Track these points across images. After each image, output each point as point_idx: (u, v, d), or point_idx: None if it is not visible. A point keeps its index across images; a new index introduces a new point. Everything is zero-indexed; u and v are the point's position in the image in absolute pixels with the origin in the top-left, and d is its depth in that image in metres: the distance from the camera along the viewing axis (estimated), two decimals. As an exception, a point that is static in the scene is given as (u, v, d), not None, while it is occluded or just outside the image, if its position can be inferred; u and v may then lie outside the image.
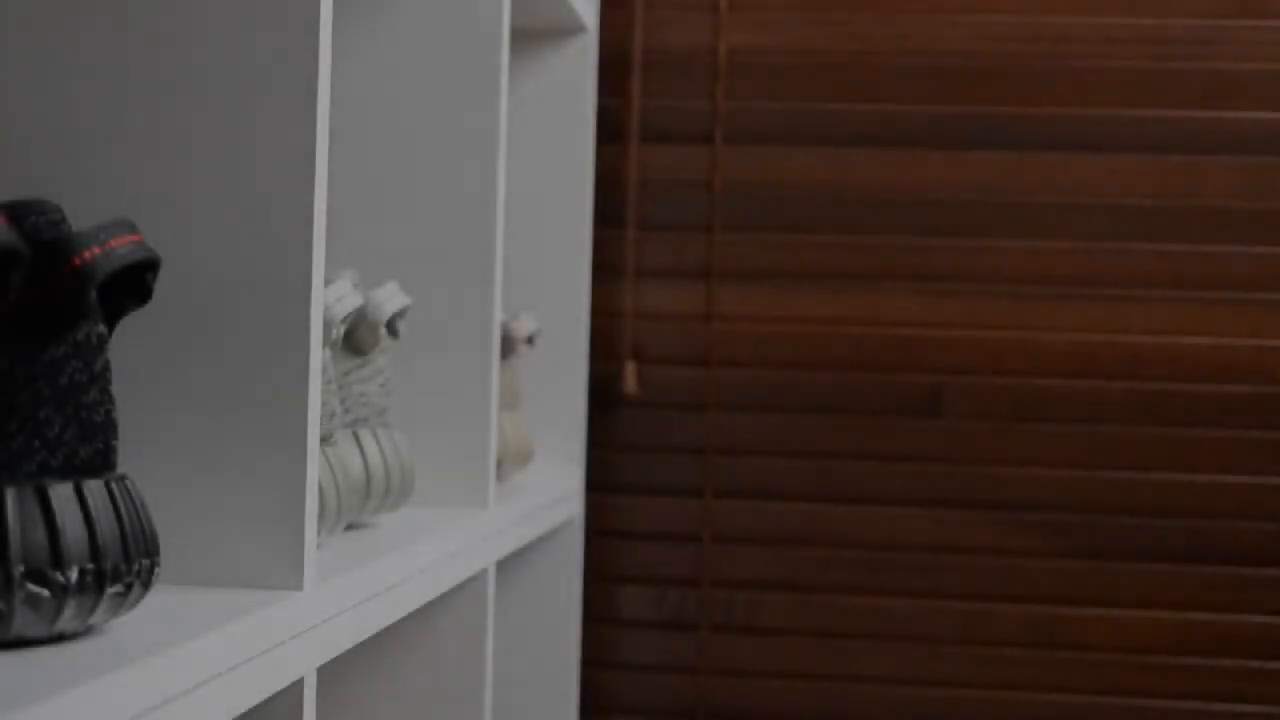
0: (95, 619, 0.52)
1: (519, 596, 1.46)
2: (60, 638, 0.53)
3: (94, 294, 0.53)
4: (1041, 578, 1.51)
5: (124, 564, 0.52)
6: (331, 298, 0.81)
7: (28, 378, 0.52)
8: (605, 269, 1.56)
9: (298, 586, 0.65)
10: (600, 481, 1.56)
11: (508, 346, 1.22)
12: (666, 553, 1.56)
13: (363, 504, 0.87)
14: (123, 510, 0.53)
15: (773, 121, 1.55)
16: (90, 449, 0.53)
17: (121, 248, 0.53)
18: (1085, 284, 1.51)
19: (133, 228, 0.55)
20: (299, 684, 0.66)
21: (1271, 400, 1.49)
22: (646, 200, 1.56)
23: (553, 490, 1.31)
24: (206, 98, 0.65)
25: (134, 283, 0.56)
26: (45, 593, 0.49)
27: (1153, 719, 1.50)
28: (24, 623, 0.50)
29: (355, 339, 0.89)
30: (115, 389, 0.65)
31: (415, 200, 1.05)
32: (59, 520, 0.50)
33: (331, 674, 1.04)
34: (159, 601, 0.61)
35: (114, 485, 0.53)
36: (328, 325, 0.81)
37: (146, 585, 0.54)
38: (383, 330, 0.90)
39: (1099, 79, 1.51)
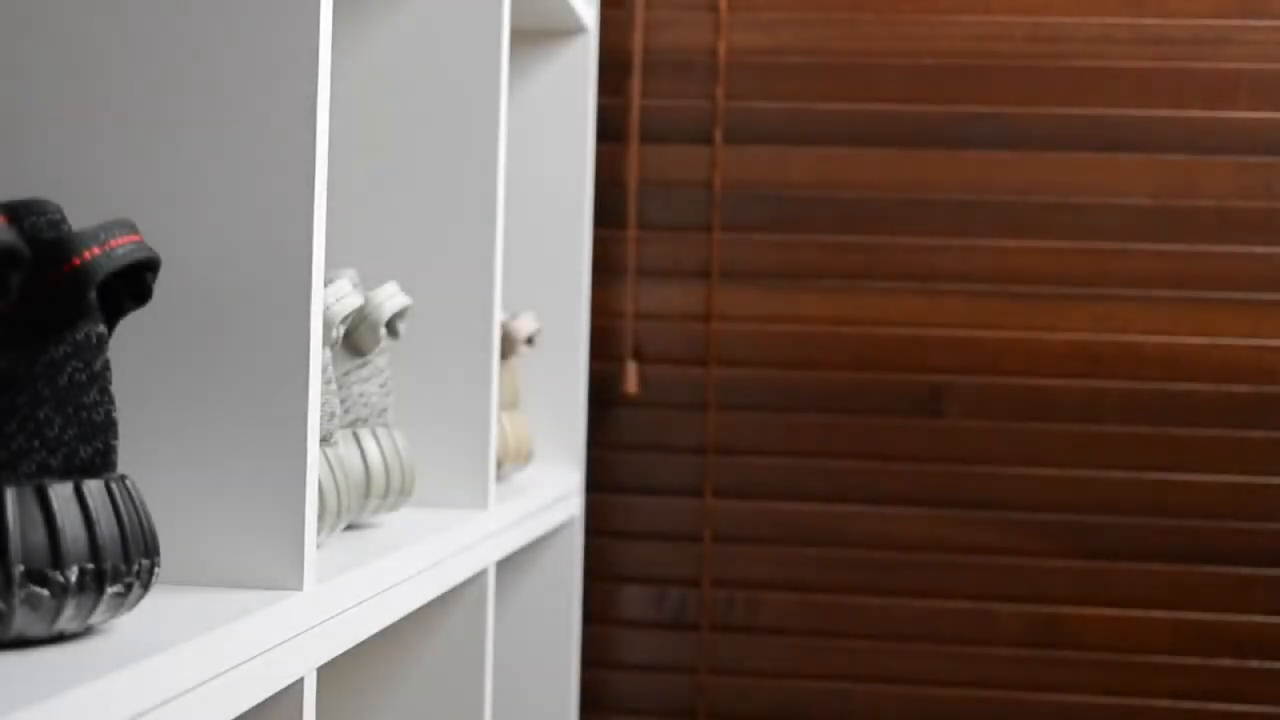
0: (95, 619, 0.52)
1: (519, 596, 1.46)
2: (60, 638, 0.53)
3: (94, 294, 0.53)
4: (1041, 578, 1.51)
5: (124, 564, 0.52)
6: (331, 298, 0.81)
7: (28, 378, 0.52)
8: (605, 269, 1.56)
9: (298, 586, 0.65)
10: (600, 481, 1.56)
11: (508, 346, 1.22)
12: (666, 553, 1.56)
13: (363, 504, 0.87)
14: (123, 510, 0.53)
15: (773, 121, 1.55)
16: (90, 449, 0.53)
17: (121, 248, 0.53)
18: (1085, 284, 1.51)
19: (133, 228, 0.55)
20: (299, 684, 0.66)
21: (1271, 400, 1.49)
22: (646, 200, 1.56)
23: (553, 490, 1.31)
24: (207, 98, 0.65)
25: (134, 283, 0.56)
26: (45, 593, 0.49)
27: (1152, 719, 1.50)
28: (24, 623, 0.50)
29: (355, 339, 0.89)
30: (115, 389, 0.65)
31: (415, 200, 1.05)
32: (59, 520, 0.50)
33: (331, 674, 1.04)
34: (159, 601, 0.61)
35: (114, 485, 0.53)
36: (328, 325, 0.81)
37: (146, 585, 0.54)
38: (383, 330, 0.90)
39: (1099, 79, 1.51)
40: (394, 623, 1.04)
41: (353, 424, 0.88)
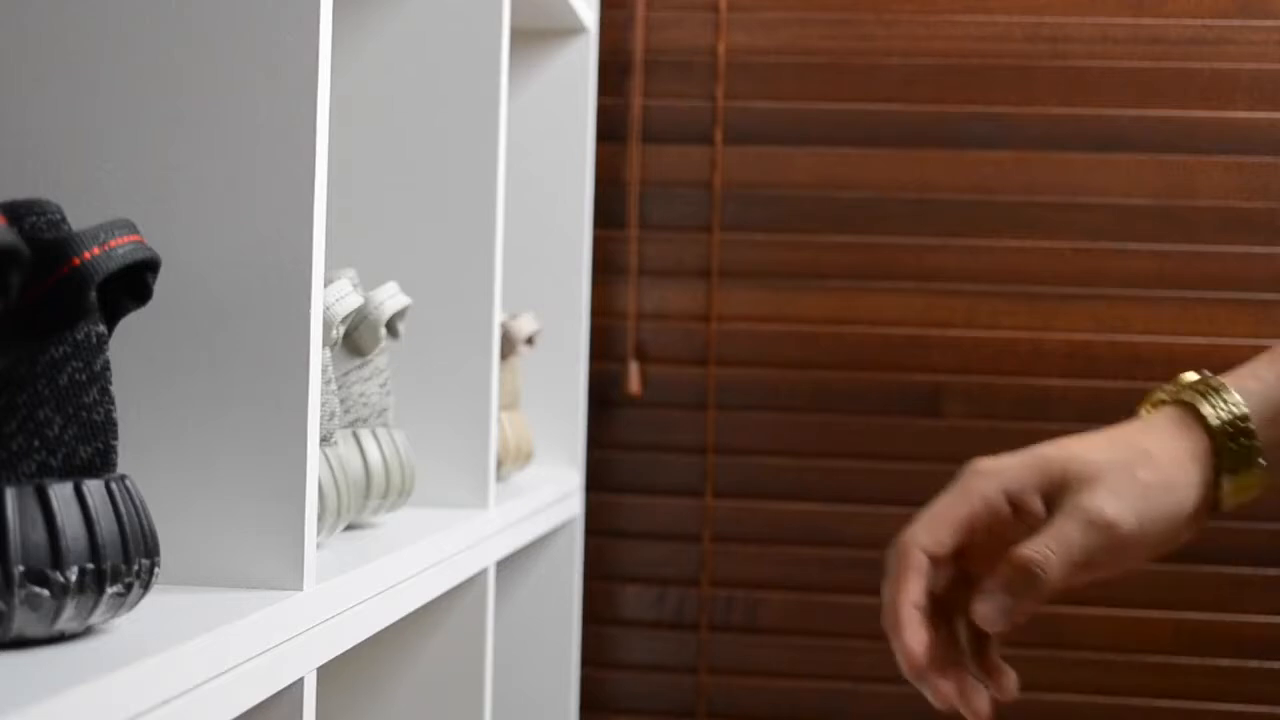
0: (95, 619, 0.52)
1: (519, 596, 1.46)
2: (60, 638, 0.53)
3: (94, 294, 0.53)
4: (1041, 578, 1.51)
5: (124, 564, 0.52)
6: (331, 298, 0.81)
7: (28, 378, 0.52)
8: (605, 269, 1.56)
9: (298, 586, 0.65)
10: (600, 481, 1.56)
11: (508, 346, 1.22)
12: (666, 553, 1.56)
13: (363, 504, 0.87)
14: (123, 510, 0.53)
15: (773, 121, 1.55)
16: (90, 449, 0.53)
17: (121, 248, 0.53)
18: (1085, 284, 1.51)
19: (133, 228, 0.55)
20: (299, 684, 0.66)
21: (1271, 400, 1.49)
22: (646, 200, 1.56)
23: (553, 490, 1.31)
24: (207, 98, 0.65)
25: (134, 283, 0.56)
26: (45, 593, 0.49)
27: (1152, 719, 1.50)
28: (24, 623, 0.50)
29: (355, 339, 0.89)
30: (115, 389, 0.65)
31: (415, 200, 1.05)
32: (59, 520, 0.50)
33: (331, 674, 1.04)
34: (159, 601, 0.61)
35: (114, 485, 0.53)
36: (328, 325, 0.81)
37: (146, 585, 0.54)
38: (383, 330, 0.90)
39: (1099, 79, 1.51)
40: (394, 623, 1.04)
41: (353, 424, 0.88)
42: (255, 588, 0.65)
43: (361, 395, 0.89)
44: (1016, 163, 1.52)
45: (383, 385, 0.90)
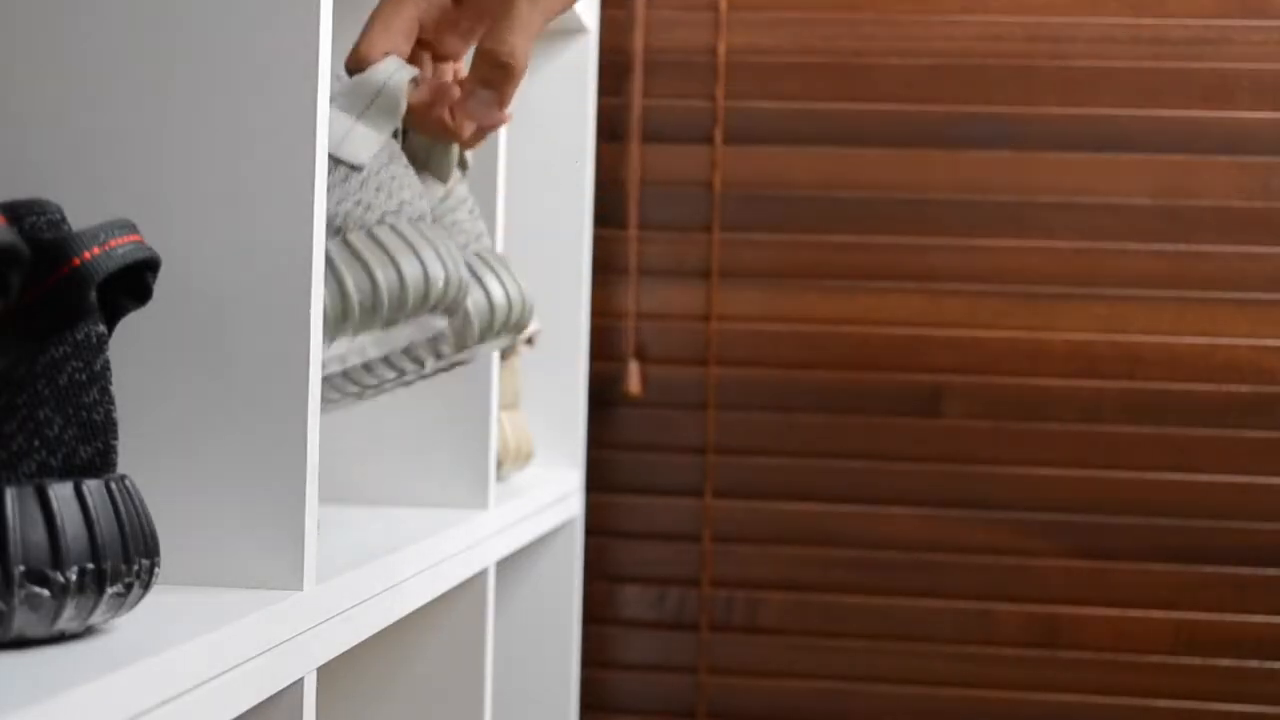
0: (95, 619, 0.52)
1: (519, 596, 1.46)
2: (60, 638, 0.53)
3: (94, 294, 0.53)
4: (1041, 578, 1.51)
5: (124, 564, 0.52)
6: (388, 70, 0.78)
7: (28, 378, 0.52)
8: (605, 269, 1.56)
9: (298, 586, 0.65)
10: (600, 481, 1.56)
11: (508, 346, 1.21)
12: (666, 553, 1.56)
13: (486, 335, 0.85)
14: (123, 510, 0.53)
15: (773, 121, 1.55)
16: (90, 449, 0.53)
17: (121, 248, 0.53)
18: (1085, 284, 1.51)
19: (133, 228, 0.55)
20: (299, 684, 0.66)
21: (1271, 400, 1.49)
22: (646, 200, 1.56)
23: (553, 490, 1.31)
24: (207, 97, 0.65)
25: (134, 283, 0.56)
26: (45, 593, 0.49)
27: (1153, 719, 1.50)
28: (24, 623, 0.50)
29: (432, 169, 0.86)
30: (115, 389, 0.65)
31: (415, 200, 1.04)
32: (59, 520, 0.50)
33: (331, 674, 1.04)
34: (159, 601, 0.61)
35: (114, 485, 0.53)
36: (393, 99, 0.78)
37: (146, 585, 0.54)
38: (454, 153, 0.87)
39: (1099, 79, 1.51)
40: (394, 623, 1.04)
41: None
42: (255, 588, 0.65)
43: (454, 224, 0.87)
44: (1016, 163, 1.52)
45: (471, 211, 0.88)
